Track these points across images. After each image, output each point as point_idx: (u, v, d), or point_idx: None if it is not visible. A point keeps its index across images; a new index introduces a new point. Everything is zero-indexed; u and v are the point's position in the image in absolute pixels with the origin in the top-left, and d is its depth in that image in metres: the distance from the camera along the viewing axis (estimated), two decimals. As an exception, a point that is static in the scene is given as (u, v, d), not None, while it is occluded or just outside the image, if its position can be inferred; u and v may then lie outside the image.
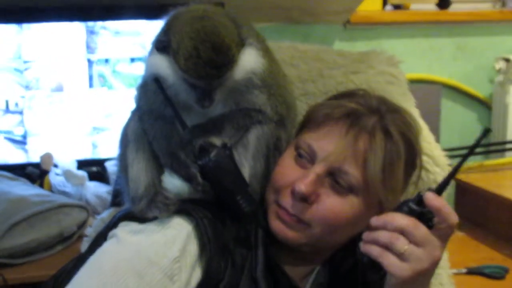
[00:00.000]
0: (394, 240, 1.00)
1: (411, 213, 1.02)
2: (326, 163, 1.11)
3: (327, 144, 1.12)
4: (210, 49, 1.04)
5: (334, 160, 1.11)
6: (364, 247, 1.04)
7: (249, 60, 1.11)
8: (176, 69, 1.07)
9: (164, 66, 1.08)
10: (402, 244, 1.00)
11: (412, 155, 1.20)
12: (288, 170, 1.15)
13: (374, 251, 1.02)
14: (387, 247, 1.01)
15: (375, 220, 1.04)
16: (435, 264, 1.02)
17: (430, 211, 1.02)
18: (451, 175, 1.06)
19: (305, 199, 1.10)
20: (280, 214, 1.12)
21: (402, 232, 1.00)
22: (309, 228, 1.12)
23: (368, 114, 1.15)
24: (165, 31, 1.09)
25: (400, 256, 1.00)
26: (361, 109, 1.15)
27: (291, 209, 1.11)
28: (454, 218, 1.02)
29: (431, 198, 1.01)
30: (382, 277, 1.05)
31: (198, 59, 1.04)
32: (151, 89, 1.13)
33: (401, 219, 1.01)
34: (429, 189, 1.03)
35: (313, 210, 1.10)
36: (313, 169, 1.11)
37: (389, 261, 1.01)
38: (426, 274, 1.03)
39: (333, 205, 1.11)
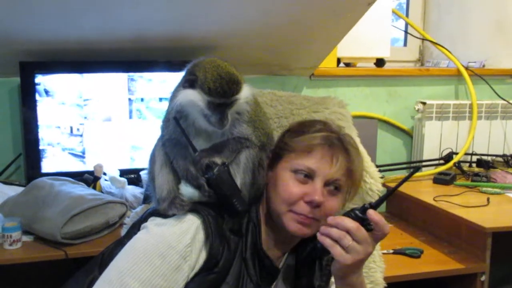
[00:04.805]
0: (342, 237, 1.01)
1: (356, 218, 1.03)
2: (324, 178, 1.11)
3: (323, 165, 1.12)
4: (227, 73, 1.07)
5: (330, 175, 1.12)
6: (320, 237, 1.05)
7: (247, 91, 1.12)
8: (203, 97, 1.07)
9: (191, 97, 1.08)
10: (347, 240, 1.01)
11: None
12: (294, 188, 1.12)
13: (327, 241, 1.03)
14: (337, 241, 1.02)
15: (331, 219, 1.05)
16: (368, 256, 1.04)
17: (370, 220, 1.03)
18: (386, 197, 1.08)
19: (319, 206, 1.10)
20: (301, 219, 1.11)
21: (348, 231, 1.01)
22: (318, 223, 1.11)
23: (335, 137, 1.16)
24: (191, 73, 1.09)
25: (345, 249, 1.01)
26: (330, 135, 1.16)
27: (309, 214, 1.11)
28: (387, 229, 1.04)
29: (372, 213, 1.03)
30: (332, 258, 1.06)
31: (222, 80, 1.06)
32: (172, 123, 1.13)
33: (349, 222, 1.02)
34: (370, 205, 1.04)
35: (321, 211, 1.11)
36: (316, 184, 1.11)
37: (337, 251, 1.02)
38: (361, 262, 1.05)
39: (331, 204, 1.12)
